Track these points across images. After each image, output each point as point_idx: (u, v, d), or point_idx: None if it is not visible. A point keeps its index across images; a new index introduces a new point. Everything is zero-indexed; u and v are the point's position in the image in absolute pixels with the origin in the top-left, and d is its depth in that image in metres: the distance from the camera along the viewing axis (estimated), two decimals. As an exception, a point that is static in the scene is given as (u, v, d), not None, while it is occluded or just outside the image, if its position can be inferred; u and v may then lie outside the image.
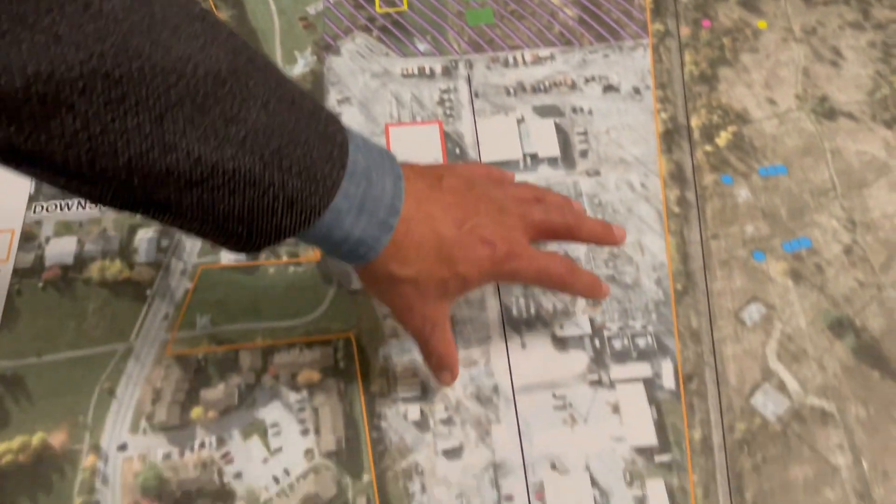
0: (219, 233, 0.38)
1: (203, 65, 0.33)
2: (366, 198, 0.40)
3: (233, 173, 0.35)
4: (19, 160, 0.33)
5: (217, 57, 0.34)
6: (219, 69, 0.34)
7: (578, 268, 0.48)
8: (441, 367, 0.47)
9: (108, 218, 0.56)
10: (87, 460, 0.47)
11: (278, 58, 0.64)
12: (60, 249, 0.54)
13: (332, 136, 0.39)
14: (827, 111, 0.61)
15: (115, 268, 0.54)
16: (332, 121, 0.40)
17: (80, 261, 0.54)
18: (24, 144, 0.32)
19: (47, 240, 0.55)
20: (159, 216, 0.37)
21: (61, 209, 0.56)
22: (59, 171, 0.33)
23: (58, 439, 0.47)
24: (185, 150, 0.34)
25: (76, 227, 0.55)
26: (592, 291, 0.48)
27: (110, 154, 0.33)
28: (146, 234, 0.55)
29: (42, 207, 0.56)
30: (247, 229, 0.38)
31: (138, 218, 0.56)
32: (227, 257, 0.54)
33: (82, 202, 0.56)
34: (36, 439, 0.47)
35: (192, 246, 0.55)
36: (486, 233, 0.44)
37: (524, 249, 0.45)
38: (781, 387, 0.49)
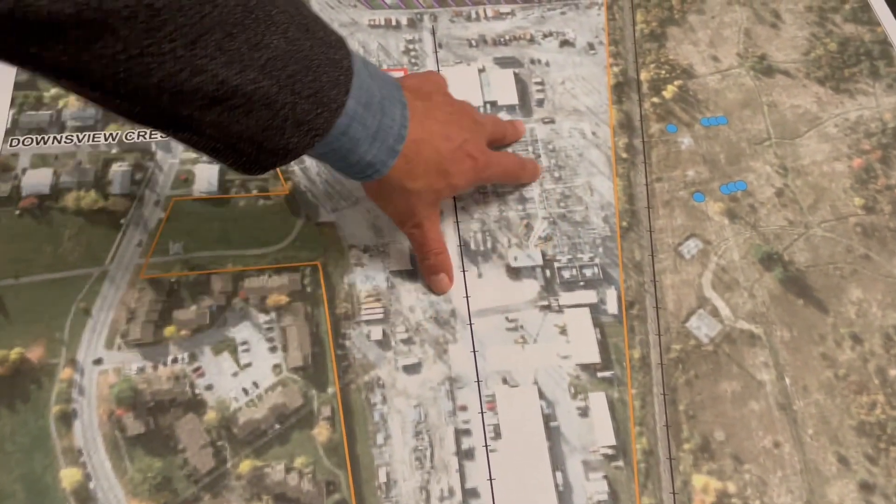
0: (231, 151, 0.41)
1: None
2: (380, 127, 0.45)
3: (251, 95, 0.38)
4: (60, 75, 0.36)
5: None
6: None
7: (524, 160, 0.58)
8: (437, 269, 0.53)
9: (84, 151, 0.58)
10: (64, 373, 0.49)
11: (250, 7, 0.66)
12: (37, 180, 0.56)
13: (340, 62, 0.42)
14: (765, 68, 0.65)
15: (90, 198, 0.56)
16: (340, 46, 0.43)
17: (56, 191, 0.56)
18: (68, 63, 0.34)
19: (24, 171, 0.57)
20: (179, 133, 0.40)
21: (37, 143, 0.58)
22: (96, 87, 0.36)
23: (35, 354, 0.50)
24: (212, 72, 0.37)
25: (52, 160, 0.57)
26: (535, 173, 0.58)
27: (145, 74, 0.36)
28: (120, 167, 0.57)
29: (18, 140, 0.58)
30: (257, 149, 0.41)
31: (112, 151, 0.58)
32: (199, 190, 0.57)
33: (58, 136, 0.58)
34: (14, 353, 0.50)
35: (164, 179, 0.57)
36: (471, 147, 0.50)
37: (493, 157, 0.53)
38: (714, 312, 0.53)
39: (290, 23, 0.39)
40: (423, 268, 0.53)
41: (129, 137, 0.59)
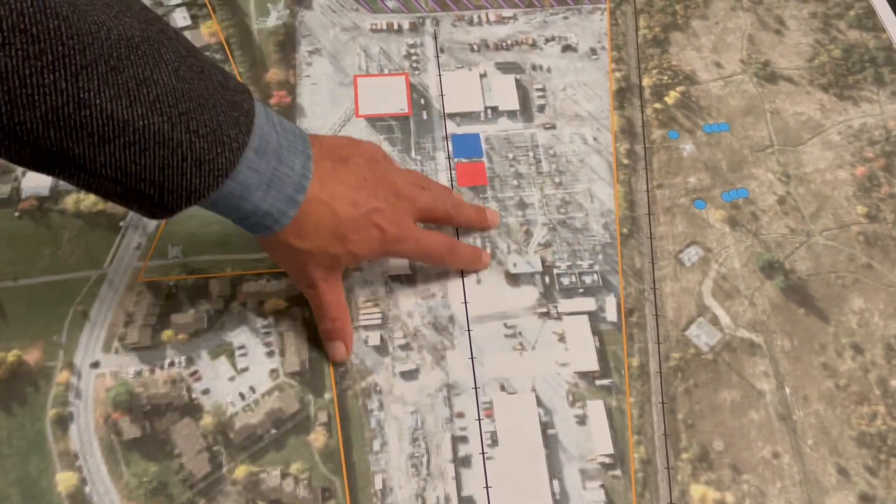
0: (132, 194, 0.40)
1: (116, 30, 0.36)
2: (275, 175, 0.43)
3: (143, 131, 0.38)
4: None
5: (130, 25, 0.37)
6: (132, 35, 0.37)
7: (458, 245, 0.54)
8: (333, 336, 0.50)
9: (84, 153, 0.58)
10: (61, 376, 0.49)
11: (252, 10, 0.67)
12: (36, 182, 0.56)
13: (239, 104, 0.42)
14: (769, 75, 0.65)
15: (89, 200, 0.56)
16: (241, 90, 0.42)
17: (56, 193, 0.56)
18: None
19: (24, 172, 0.57)
20: (76, 176, 0.39)
21: (37, 145, 0.58)
22: None
23: (32, 356, 0.50)
24: (98, 106, 0.36)
25: (52, 162, 0.57)
26: (473, 263, 0.54)
27: (28, 106, 0.35)
28: (120, 170, 0.57)
29: (18, 143, 0.58)
30: (158, 190, 0.40)
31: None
32: (199, 193, 0.57)
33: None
34: (11, 356, 0.50)
35: (164, 182, 0.57)
36: (379, 217, 0.47)
37: (411, 232, 0.50)
38: (714, 321, 0.53)
39: (180, 62, 0.39)
40: (320, 332, 0.51)
41: (129, 140, 0.59)
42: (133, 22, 0.37)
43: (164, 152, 0.39)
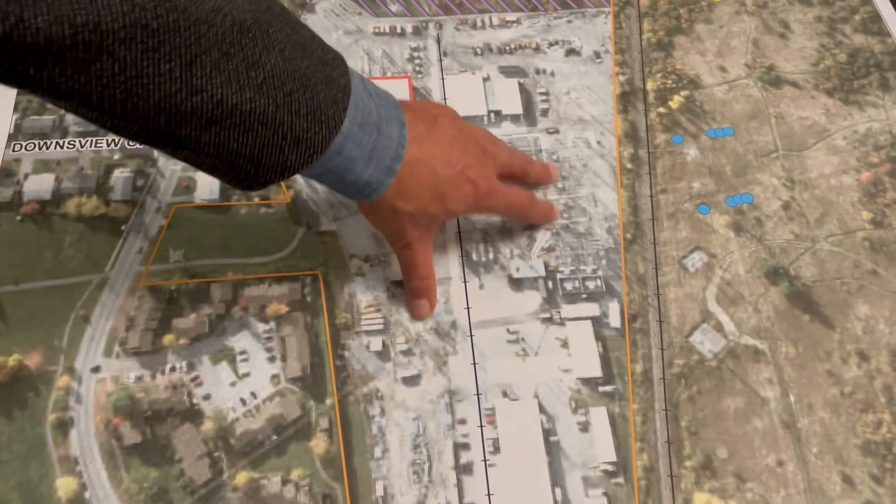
0: (229, 168, 0.41)
1: (231, 15, 0.36)
2: (375, 146, 0.44)
3: (249, 114, 0.39)
4: (58, 96, 0.35)
5: (243, 7, 0.37)
6: (244, 18, 0.37)
7: (536, 200, 0.56)
8: (420, 294, 0.52)
9: (86, 157, 0.58)
10: (62, 381, 0.49)
11: (255, 13, 0.66)
12: (38, 186, 0.56)
13: (337, 80, 0.42)
14: (773, 79, 0.65)
15: (91, 204, 0.56)
16: (338, 64, 0.43)
17: (58, 197, 0.56)
18: (65, 84, 0.34)
19: (26, 176, 0.57)
20: (178, 152, 0.40)
21: (39, 148, 0.58)
22: (94, 107, 0.36)
23: (33, 361, 0.49)
24: (209, 92, 0.37)
25: (54, 165, 0.57)
26: (548, 217, 0.57)
27: (143, 95, 0.36)
28: (122, 173, 0.57)
29: (21, 146, 0.58)
30: (255, 166, 0.41)
31: (115, 157, 0.58)
32: (201, 197, 0.57)
33: (60, 141, 0.58)
34: (12, 360, 0.49)
35: (166, 185, 0.57)
36: (472, 174, 0.49)
37: (498, 187, 0.51)
38: (718, 327, 0.53)
39: (286, 42, 0.39)
40: (407, 290, 0.53)
41: (131, 144, 0.59)
42: (245, 3, 0.37)
43: (266, 132, 0.40)
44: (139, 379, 0.49)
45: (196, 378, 0.50)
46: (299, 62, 0.40)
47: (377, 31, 0.66)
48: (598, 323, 0.53)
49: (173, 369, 0.50)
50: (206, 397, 0.49)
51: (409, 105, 0.48)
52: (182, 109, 0.37)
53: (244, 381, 0.50)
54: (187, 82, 0.36)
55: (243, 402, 0.49)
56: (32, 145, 0.58)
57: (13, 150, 0.58)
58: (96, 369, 0.50)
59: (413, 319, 0.52)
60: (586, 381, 0.51)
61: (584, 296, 0.54)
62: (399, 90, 0.62)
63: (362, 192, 0.46)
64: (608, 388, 0.50)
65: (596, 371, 0.51)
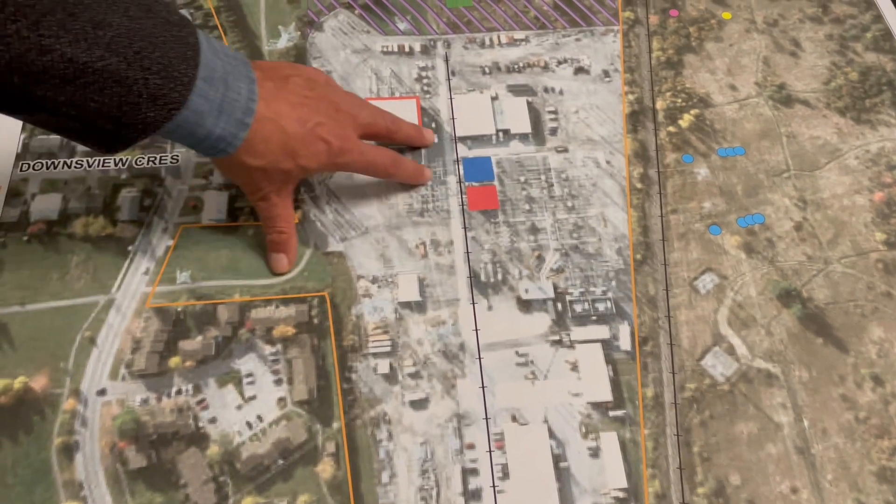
0: (90, 130, 0.43)
1: None
2: (224, 100, 0.46)
3: (101, 72, 0.41)
4: None
5: None
6: None
7: (402, 158, 0.57)
8: (278, 248, 0.53)
9: (93, 176, 0.58)
10: (67, 403, 0.49)
11: (263, 32, 0.66)
12: (45, 205, 0.56)
13: (186, 38, 0.44)
14: (784, 98, 0.64)
15: (98, 224, 0.55)
16: (186, 24, 0.45)
17: (65, 217, 0.56)
18: None
19: (33, 196, 0.57)
20: (39, 116, 0.42)
21: (47, 167, 0.58)
22: None
23: (39, 383, 0.49)
24: (59, 52, 0.39)
25: (61, 185, 0.57)
26: (416, 177, 0.58)
27: None
28: (129, 193, 0.57)
29: (28, 165, 0.58)
30: (115, 125, 0.43)
31: (122, 177, 0.58)
32: (208, 217, 0.56)
33: (68, 161, 0.58)
34: (18, 383, 0.49)
35: (173, 205, 0.57)
36: (324, 131, 0.50)
37: (355, 145, 0.53)
38: (731, 350, 0.52)
39: (130, 3, 0.42)
40: (267, 243, 0.54)
41: (138, 163, 0.58)
42: None
43: (121, 90, 0.42)
44: (145, 402, 0.49)
45: (202, 401, 0.49)
46: (145, 21, 0.42)
47: (385, 49, 0.66)
48: (608, 346, 0.52)
49: (179, 392, 0.49)
50: (212, 420, 0.49)
51: (260, 65, 0.50)
52: (34, 69, 0.39)
53: (250, 404, 0.49)
54: (36, 42, 0.38)
55: (249, 425, 0.49)
56: (40, 165, 0.58)
57: (21, 170, 0.58)
58: (102, 392, 0.49)
59: (274, 274, 0.54)
60: (597, 406, 0.50)
61: (594, 318, 0.53)
62: (407, 110, 0.62)
63: (216, 148, 0.47)
64: (619, 413, 0.50)
65: (606, 395, 0.50)
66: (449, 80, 0.64)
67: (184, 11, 0.67)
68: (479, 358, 0.51)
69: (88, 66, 0.40)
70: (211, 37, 0.47)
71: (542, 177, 0.60)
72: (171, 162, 0.59)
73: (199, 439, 0.48)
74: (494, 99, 0.64)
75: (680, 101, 0.64)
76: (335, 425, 0.49)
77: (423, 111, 0.62)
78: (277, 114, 0.49)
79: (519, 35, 0.67)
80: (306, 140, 0.50)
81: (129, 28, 0.41)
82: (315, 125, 0.50)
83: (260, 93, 0.48)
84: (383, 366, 0.51)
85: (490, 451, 0.48)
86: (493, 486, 0.47)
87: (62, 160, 0.58)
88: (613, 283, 0.55)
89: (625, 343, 0.52)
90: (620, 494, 0.47)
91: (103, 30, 0.40)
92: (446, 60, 0.66)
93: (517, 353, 0.52)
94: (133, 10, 0.42)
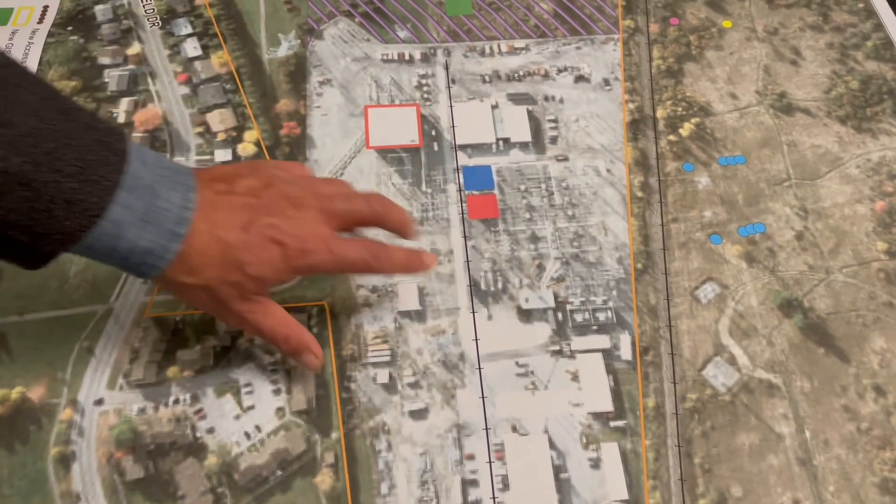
0: (4, 242, 0.39)
1: None
2: (151, 209, 0.41)
3: (4, 173, 0.37)
4: None
5: None
6: None
7: (389, 248, 0.48)
8: (297, 351, 0.48)
9: (92, 185, 0.57)
10: (64, 413, 0.48)
11: (262, 41, 0.66)
12: (44, 214, 0.56)
13: (110, 144, 0.40)
14: (785, 107, 0.64)
15: (97, 233, 0.55)
16: (115, 132, 0.41)
17: (63, 225, 0.55)
18: None
19: (31, 205, 0.56)
20: None
21: (46, 176, 0.58)
22: None
23: (36, 393, 0.49)
24: None
25: (60, 194, 0.57)
26: (412, 266, 0.49)
27: None
28: (129, 202, 0.57)
29: (27, 174, 0.58)
30: (29, 235, 0.39)
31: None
32: (207, 226, 0.56)
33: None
34: (15, 393, 0.49)
35: (173, 214, 0.56)
36: (276, 232, 0.44)
37: (321, 243, 0.46)
38: (732, 360, 0.52)
39: (41, 104, 0.39)
40: (284, 355, 0.50)
41: (138, 171, 0.58)
42: None
43: (29, 194, 0.38)
44: (142, 411, 0.49)
45: (200, 411, 0.49)
46: (59, 124, 0.39)
47: (385, 57, 0.66)
48: (609, 356, 0.52)
49: (177, 402, 0.49)
50: (210, 430, 0.48)
51: (207, 172, 0.46)
52: None
53: (248, 413, 0.49)
54: None
55: (248, 435, 0.48)
56: (39, 173, 0.58)
57: (20, 178, 0.57)
58: (99, 402, 0.49)
59: (311, 370, 0.50)
60: (597, 416, 0.50)
61: (595, 328, 0.53)
62: (407, 118, 0.62)
63: (146, 263, 0.42)
64: (620, 423, 0.49)
65: (607, 405, 0.50)
66: (449, 88, 0.64)
67: (183, 20, 0.67)
68: (479, 368, 0.51)
69: None
70: (146, 148, 0.43)
71: (543, 185, 0.60)
72: (170, 170, 0.58)
73: (196, 450, 0.47)
74: (494, 107, 0.63)
75: (680, 109, 0.64)
76: (334, 435, 0.48)
77: (423, 119, 0.62)
78: (214, 223, 0.43)
79: (519, 43, 0.67)
80: (252, 246, 0.44)
81: (38, 129, 0.38)
82: (262, 226, 0.44)
83: (199, 202, 0.43)
84: (382, 375, 0.51)
85: (490, 462, 0.48)
86: (493, 498, 0.47)
87: (61, 168, 0.58)
88: (614, 292, 0.55)
89: (626, 353, 0.52)
90: (621, 506, 0.46)
91: (7, 128, 0.37)
92: (446, 68, 0.65)
93: (517, 363, 0.51)
94: (46, 113, 0.39)
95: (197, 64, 0.64)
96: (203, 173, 0.45)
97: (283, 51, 0.66)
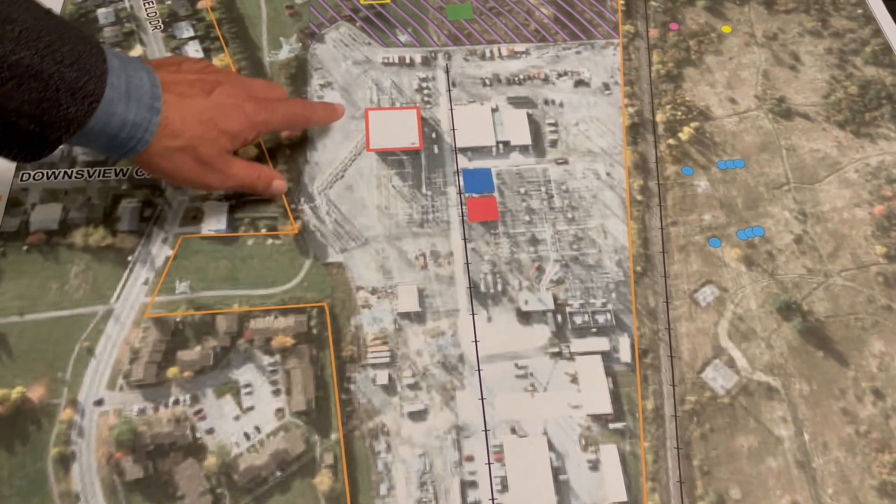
0: (12, 132, 0.43)
1: None
2: (129, 87, 0.46)
3: (15, 66, 0.41)
4: None
5: None
6: None
7: (312, 103, 0.60)
8: (266, 185, 0.56)
9: (93, 186, 0.58)
10: (64, 414, 0.48)
11: (264, 44, 0.67)
12: (45, 215, 0.56)
13: (87, 38, 0.45)
14: (784, 111, 0.64)
15: (98, 234, 0.55)
16: (81, 27, 0.49)
17: (65, 227, 0.56)
18: None
19: (33, 206, 0.56)
20: None
21: (47, 177, 0.58)
22: None
23: (36, 393, 0.49)
24: None
25: (61, 195, 0.57)
26: (330, 116, 0.60)
27: None
28: (129, 203, 0.57)
29: (29, 175, 0.58)
30: (38, 124, 0.43)
31: (122, 187, 0.58)
32: (208, 228, 0.56)
33: (68, 171, 0.58)
34: (15, 393, 0.49)
35: (173, 216, 0.57)
36: (234, 95, 0.52)
37: (267, 103, 0.54)
38: (731, 363, 0.52)
39: (29, 4, 0.43)
40: (257, 193, 0.56)
41: (139, 173, 0.58)
42: None
43: (38, 85, 0.42)
44: (142, 412, 0.49)
45: (199, 411, 0.49)
46: (47, 21, 0.43)
47: (386, 61, 0.66)
48: (608, 358, 0.52)
49: (177, 402, 0.49)
50: (210, 431, 0.48)
51: (156, 60, 0.53)
52: None
53: (248, 414, 0.49)
54: None
55: (247, 436, 0.48)
56: (40, 175, 0.58)
57: (21, 180, 0.58)
58: (99, 402, 0.49)
59: (281, 193, 0.57)
60: (596, 418, 0.50)
61: (594, 330, 0.53)
62: (408, 121, 0.62)
63: (135, 137, 0.47)
64: (619, 426, 0.49)
65: (606, 408, 0.50)
66: (450, 91, 0.65)
67: (185, 24, 0.67)
68: (479, 370, 0.51)
69: (2, 60, 0.41)
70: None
71: (543, 188, 0.60)
72: (171, 172, 0.59)
73: (196, 450, 0.48)
74: (495, 111, 0.64)
75: (680, 113, 0.64)
76: (333, 436, 0.48)
77: (423, 122, 0.63)
78: (182, 93, 0.50)
79: (519, 47, 0.68)
80: (218, 105, 0.51)
81: (34, 24, 0.42)
82: (220, 92, 0.51)
83: (161, 78, 0.49)
84: (382, 377, 0.51)
85: (489, 464, 0.48)
86: (493, 499, 0.47)
87: (62, 170, 0.58)
88: (613, 294, 0.55)
89: (625, 355, 0.52)
90: (620, 508, 0.46)
91: (11, 25, 0.41)
92: (447, 72, 0.66)
93: (517, 364, 0.52)
94: (34, 10, 0.43)
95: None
96: (150, 61, 0.51)
97: (284, 53, 0.66)
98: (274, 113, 0.55)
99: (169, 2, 0.69)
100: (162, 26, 0.67)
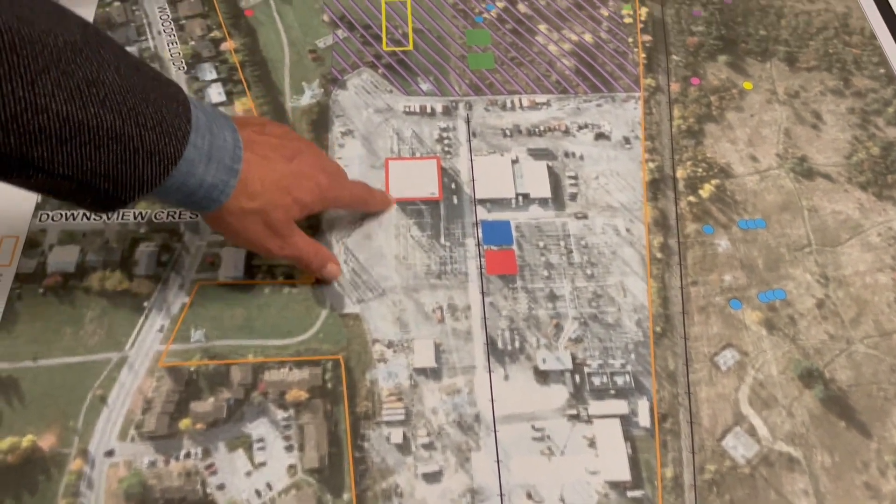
0: (85, 190, 0.43)
1: (62, 36, 0.40)
2: (212, 147, 0.46)
3: (97, 129, 0.41)
4: None
5: (71, 30, 0.40)
6: (75, 39, 0.40)
7: (373, 189, 0.60)
8: (321, 265, 0.55)
9: (112, 229, 0.58)
10: (74, 464, 0.48)
11: (286, 88, 0.67)
12: (62, 257, 0.56)
13: (175, 95, 0.45)
14: (806, 171, 0.64)
15: (114, 278, 0.55)
16: (172, 83, 0.46)
17: (81, 270, 0.55)
18: None
19: (50, 247, 0.56)
20: (35, 178, 0.42)
21: (66, 219, 0.58)
22: None
23: (47, 442, 0.48)
24: (54, 110, 0.39)
25: (79, 237, 0.57)
26: (385, 205, 0.60)
27: None
28: (147, 248, 0.57)
29: (48, 216, 0.58)
30: (112, 184, 0.43)
31: (140, 231, 0.58)
32: (225, 274, 0.56)
33: (87, 213, 0.58)
34: (25, 441, 0.48)
35: (190, 262, 0.56)
36: (310, 165, 0.53)
37: (340, 180, 0.56)
38: (752, 431, 0.51)
39: (119, 62, 0.43)
40: (311, 272, 0.55)
41: (158, 217, 0.58)
42: (73, 27, 0.41)
43: (117, 147, 0.42)
44: (152, 464, 0.48)
45: (211, 465, 0.48)
46: (135, 79, 0.43)
47: (407, 109, 0.66)
48: (626, 422, 0.51)
49: (188, 455, 0.49)
50: (220, 487, 0.48)
51: (239, 117, 0.53)
52: (30, 129, 0.39)
53: (260, 470, 0.48)
54: (31, 102, 0.38)
55: (258, 493, 0.48)
56: (59, 215, 0.58)
57: (39, 220, 0.58)
58: (110, 453, 0.48)
59: (333, 279, 0.56)
60: (614, 485, 0.49)
61: (613, 392, 0.52)
62: (428, 171, 0.62)
63: (210, 197, 0.47)
64: (637, 494, 0.48)
65: (624, 474, 0.49)
66: (469, 141, 0.64)
67: (208, 65, 0.68)
68: (495, 430, 0.50)
69: (84, 123, 0.40)
70: (192, 95, 0.48)
71: (562, 243, 0.59)
72: (190, 217, 0.58)
73: (206, 507, 0.47)
74: (515, 162, 0.64)
75: (700, 170, 0.64)
76: (346, 496, 0.48)
77: (443, 172, 0.62)
78: (265, 156, 0.50)
79: (540, 98, 0.68)
80: (295, 173, 0.51)
81: (121, 86, 0.42)
82: (300, 161, 0.52)
83: (244, 140, 0.49)
84: (396, 435, 0.50)
85: (504, 530, 0.47)
86: (507, 568, 0.46)
87: (81, 212, 0.58)
88: (633, 355, 0.54)
89: (644, 419, 0.51)
90: (637, 581, 0.45)
91: (97, 87, 0.41)
92: (467, 122, 0.66)
93: (533, 426, 0.51)
94: (123, 69, 0.43)
95: (221, 110, 0.65)
96: (234, 118, 0.51)
97: (307, 99, 0.66)
98: (343, 190, 0.56)
99: (192, 42, 0.69)
100: (185, 67, 0.68)
